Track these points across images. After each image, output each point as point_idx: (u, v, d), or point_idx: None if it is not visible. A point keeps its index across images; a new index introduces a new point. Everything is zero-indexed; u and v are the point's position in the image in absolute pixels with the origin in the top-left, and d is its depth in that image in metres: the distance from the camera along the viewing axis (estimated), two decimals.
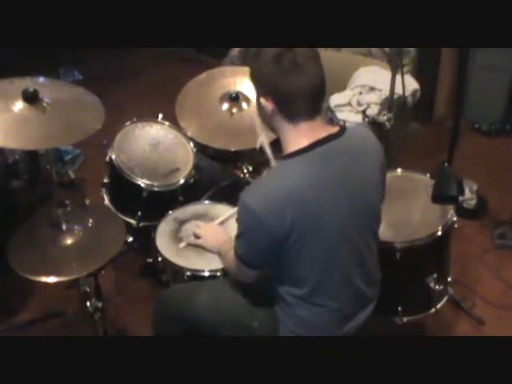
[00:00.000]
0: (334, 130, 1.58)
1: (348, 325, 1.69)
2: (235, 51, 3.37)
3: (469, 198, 2.92)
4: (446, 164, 2.17)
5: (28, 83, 1.92)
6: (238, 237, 1.62)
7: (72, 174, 3.15)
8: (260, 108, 1.59)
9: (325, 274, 1.59)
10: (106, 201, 2.48)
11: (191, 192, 2.41)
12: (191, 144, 2.47)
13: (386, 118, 2.43)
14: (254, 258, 1.62)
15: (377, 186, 1.65)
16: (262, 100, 1.54)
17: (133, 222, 2.37)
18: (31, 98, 1.86)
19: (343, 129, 1.59)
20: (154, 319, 1.96)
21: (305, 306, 1.62)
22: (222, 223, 2.15)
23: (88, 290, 2.05)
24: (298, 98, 1.50)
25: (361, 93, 2.98)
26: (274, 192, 1.50)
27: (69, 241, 1.97)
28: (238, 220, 1.60)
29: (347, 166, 1.56)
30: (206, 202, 2.33)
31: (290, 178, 1.51)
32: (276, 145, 1.80)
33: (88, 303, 2.06)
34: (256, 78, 1.55)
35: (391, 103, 2.43)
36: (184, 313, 1.84)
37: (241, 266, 1.65)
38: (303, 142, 1.53)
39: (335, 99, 2.97)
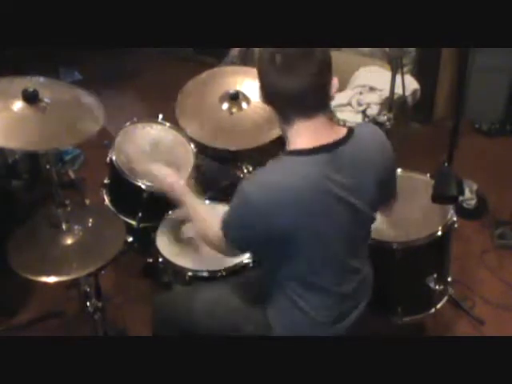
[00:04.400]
0: (341, 132, 1.56)
1: (339, 324, 1.69)
2: (235, 51, 3.37)
3: (469, 198, 2.92)
4: (446, 164, 2.17)
5: (28, 83, 1.92)
6: (230, 220, 1.59)
7: (72, 174, 3.15)
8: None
9: (321, 277, 1.60)
10: (107, 201, 2.48)
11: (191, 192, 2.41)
12: (191, 144, 2.47)
13: (385, 117, 2.43)
14: (243, 243, 1.62)
15: (374, 194, 1.61)
16: (261, 99, 1.55)
17: (133, 222, 2.37)
18: (31, 97, 1.86)
19: (350, 132, 1.57)
20: (153, 323, 1.96)
21: (302, 299, 1.62)
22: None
23: (88, 290, 2.05)
24: (290, 98, 1.49)
25: (361, 93, 2.98)
26: (278, 188, 1.48)
27: (69, 241, 1.97)
28: (233, 205, 1.58)
29: (351, 175, 1.54)
30: (206, 202, 2.33)
31: (295, 177, 1.49)
32: None
33: (88, 303, 2.06)
34: (258, 78, 1.55)
35: (391, 103, 2.43)
36: (181, 317, 1.84)
37: (224, 241, 1.63)
38: (306, 143, 1.51)
39: (335, 99, 2.96)
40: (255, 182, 1.54)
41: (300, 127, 1.53)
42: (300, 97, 1.48)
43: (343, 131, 1.57)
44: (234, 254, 1.86)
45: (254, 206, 1.49)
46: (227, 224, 1.60)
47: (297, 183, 1.48)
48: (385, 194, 1.69)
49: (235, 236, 1.60)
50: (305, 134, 1.53)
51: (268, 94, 1.53)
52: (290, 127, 1.54)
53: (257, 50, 3.05)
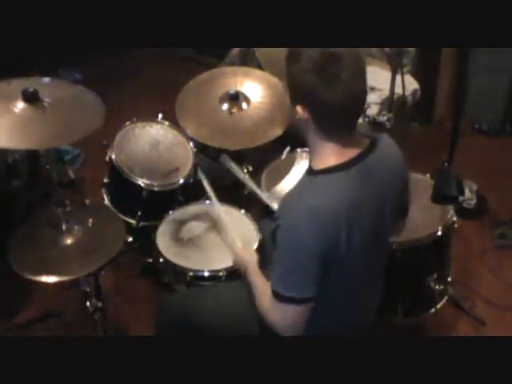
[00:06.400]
0: (366, 143, 1.52)
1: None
2: (235, 51, 3.36)
3: (469, 198, 2.92)
4: (446, 164, 2.17)
5: (27, 83, 1.91)
6: (281, 266, 1.48)
7: (72, 174, 3.15)
8: (294, 114, 1.48)
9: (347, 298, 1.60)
10: (106, 201, 2.48)
11: (191, 192, 2.41)
12: (191, 144, 2.47)
13: (385, 117, 2.43)
14: (305, 286, 1.48)
15: (394, 204, 1.60)
16: (298, 108, 1.45)
17: (133, 221, 2.37)
18: (31, 97, 1.86)
19: (374, 142, 1.53)
20: (155, 324, 1.96)
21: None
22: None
23: (88, 290, 2.05)
24: (336, 113, 1.42)
25: None
26: (324, 206, 1.42)
27: (69, 241, 1.97)
28: (279, 251, 1.48)
29: (378, 185, 1.52)
30: (206, 201, 2.33)
31: (335, 193, 1.44)
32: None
33: (88, 303, 2.06)
34: (292, 84, 1.45)
35: (391, 103, 2.43)
36: (184, 319, 1.83)
37: (282, 307, 1.51)
38: (338, 158, 1.47)
39: None
40: (295, 209, 1.45)
41: (338, 143, 1.47)
42: (349, 112, 1.44)
43: (367, 141, 1.53)
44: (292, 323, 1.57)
45: (303, 230, 1.41)
46: (280, 269, 1.49)
47: (340, 198, 1.43)
48: (400, 209, 1.69)
49: (288, 281, 1.48)
50: (340, 150, 1.47)
51: (312, 105, 1.42)
52: (327, 142, 1.47)
53: (261, 51, 3.06)
